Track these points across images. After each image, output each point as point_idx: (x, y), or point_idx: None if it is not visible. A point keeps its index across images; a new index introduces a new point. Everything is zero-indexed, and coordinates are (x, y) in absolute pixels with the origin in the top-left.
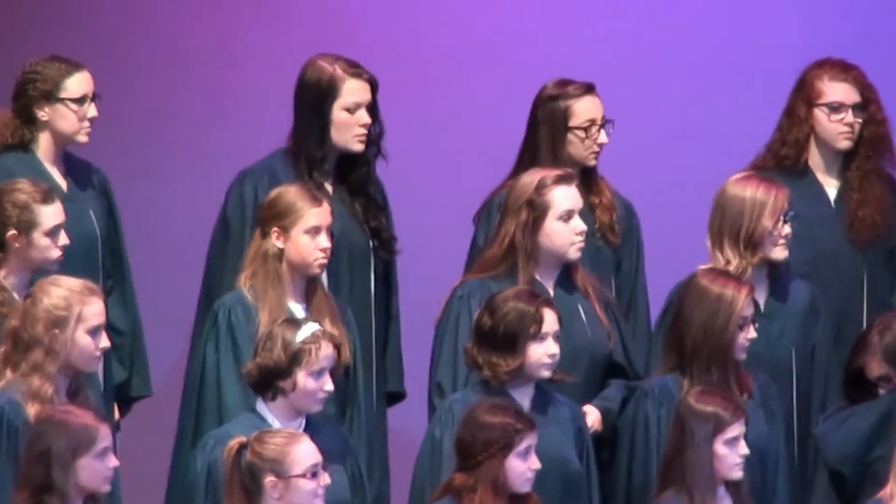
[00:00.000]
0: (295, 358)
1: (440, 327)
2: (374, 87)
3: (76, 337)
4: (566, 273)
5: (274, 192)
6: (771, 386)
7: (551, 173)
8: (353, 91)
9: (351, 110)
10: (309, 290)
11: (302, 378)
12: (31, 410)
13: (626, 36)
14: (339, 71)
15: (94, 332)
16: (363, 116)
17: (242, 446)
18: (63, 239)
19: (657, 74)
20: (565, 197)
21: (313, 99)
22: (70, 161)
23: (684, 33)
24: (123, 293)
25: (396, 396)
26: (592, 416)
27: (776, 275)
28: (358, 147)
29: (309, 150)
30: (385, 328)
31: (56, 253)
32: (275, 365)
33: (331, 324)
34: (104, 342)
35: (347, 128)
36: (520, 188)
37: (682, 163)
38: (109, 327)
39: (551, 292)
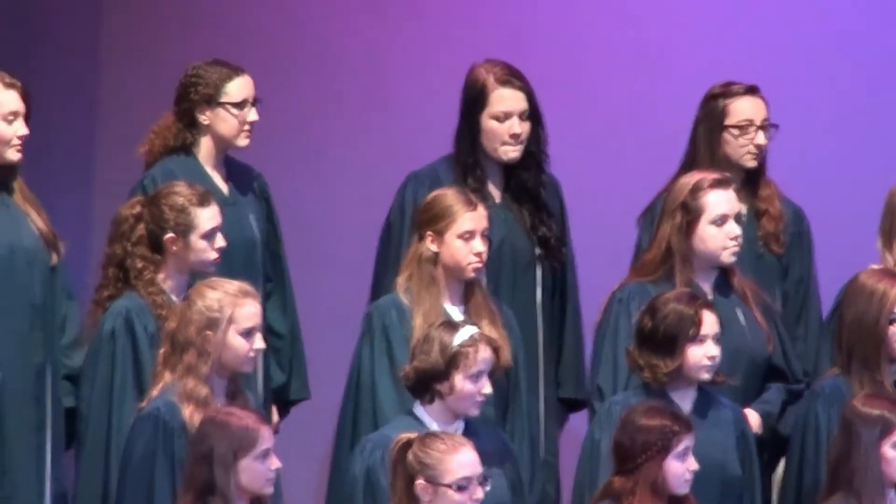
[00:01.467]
0: (452, 361)
1: (600, 331)
2: (529, 96)
3: (228, 338)
4: (724, 277)
5: (430, 196)
6: None
7: (709, 176)
8: (502, 100)
9: (500, 119)
10: (467, 292)
11: (459, 381)
12: (187, 412)
13: (797, 37)
14: (491, 79)
15: (247, 334)
16: (513, 126)
17: (408, 443)
18: (220, 241)
19: (829, 75)
20: (720, 201)
21: (467, 106)
22: (231, 165)
23: (855, 34)
24: (283, 297)
25: (575, 403)
26: (753, 419)
27: None
28: (508, 156)
29: (463, 156)
30: (559, 335)
31: (212, 255)
32: (432, 368)
33: (489, 326)
34: (258, 343)
35: (496, 136)
36: (676, 190)
37: (856, 165)
38: (269, 331)
39: (710, 295)
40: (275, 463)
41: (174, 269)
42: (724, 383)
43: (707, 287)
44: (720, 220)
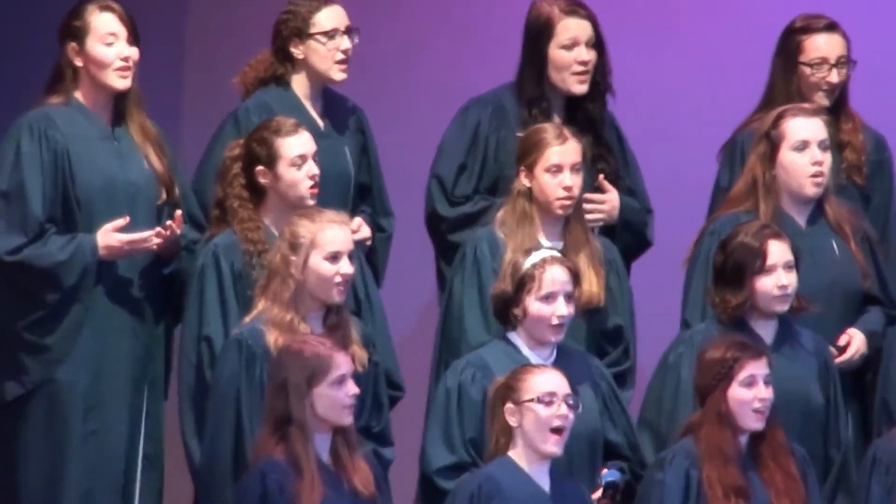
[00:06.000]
0: (521, 283)
1: (691, 264)
2: (594, 24)
3: (311, 263)
4: (819, 207)
5: (526, 131)
6: None
7: (795, 106)
8: (568, 28)
9: (567, 48)
10: (566, 227)
11: (530, 303)
12: (272, 338)
13: None
14: (555, 11)
15: (332, 259)
16: (581, 54)
17: (503, 385)
18: (312, 168)
19: None
20: (801, 128)
21: (532, 40)
22: (330, 98)
23: None
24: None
25: None
26: (858, 339)
27: None
28: (578, 87)
29: (527, 89)
30: None
31: (306, 183)
32: (503, 292)
33: (586, 261)
34: (345, 268)
35: (564, 66)
36: (764, 121)
37: None
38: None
39: (802, 226)
40: (352, 389)
41: (274, 204)
42: (807, 310)
43: (800, 218)
44: (801, 146)
